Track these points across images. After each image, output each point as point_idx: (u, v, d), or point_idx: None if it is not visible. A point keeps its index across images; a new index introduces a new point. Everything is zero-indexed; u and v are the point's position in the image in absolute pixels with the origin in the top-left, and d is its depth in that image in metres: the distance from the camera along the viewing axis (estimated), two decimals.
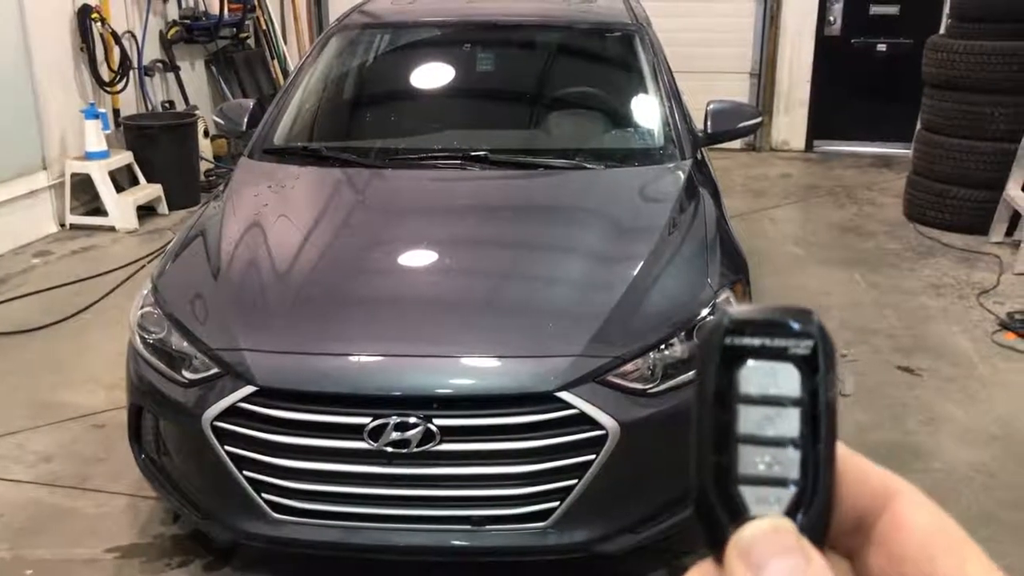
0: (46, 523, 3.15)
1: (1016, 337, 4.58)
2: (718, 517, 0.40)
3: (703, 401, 0.41)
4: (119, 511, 3.21)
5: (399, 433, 2.39)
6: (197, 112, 7.42)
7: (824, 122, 8.88)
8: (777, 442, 0.40)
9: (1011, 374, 4.23)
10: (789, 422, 0.40)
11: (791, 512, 0.39)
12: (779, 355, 0.40)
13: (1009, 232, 5.96)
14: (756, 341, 0.40)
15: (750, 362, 0.40)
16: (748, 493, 0.40)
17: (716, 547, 0.39)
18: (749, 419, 0.40)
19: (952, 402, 3.95)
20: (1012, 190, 5.80)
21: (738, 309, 0.41)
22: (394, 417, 2.40)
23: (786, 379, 0.40)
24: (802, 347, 0.40)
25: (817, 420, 0.40)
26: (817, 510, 0.40)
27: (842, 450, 0.41)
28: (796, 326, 0.40)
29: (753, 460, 0.40)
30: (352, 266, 3.00)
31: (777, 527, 0.39)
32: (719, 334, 0.40)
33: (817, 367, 0.40)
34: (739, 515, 0.40)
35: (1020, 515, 3.15)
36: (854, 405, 3.90)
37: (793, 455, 0.40)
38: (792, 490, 0.40)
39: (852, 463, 0.42)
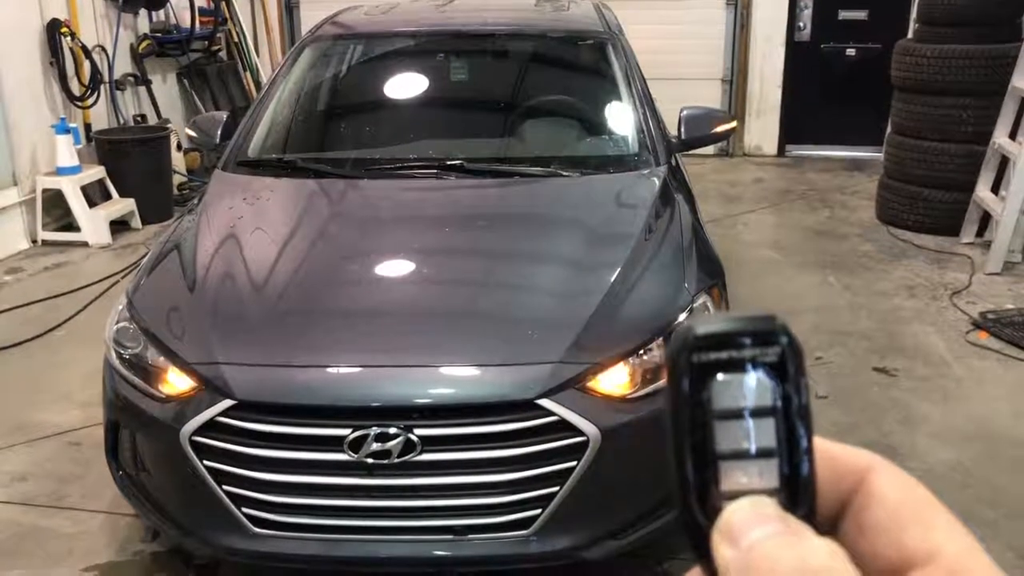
0: (22, 543, 3.11)
1: (989, 336, 4.63)
2: (704, 532, 0.40)
3: (677, 420, 0.40)
4: (97, 529, 3.17)
5: (380, 444, 2.39)
6: (169, 126, 7.38)
7: (796, 127, 8.97)
8: (755, 453, 0.40)
9: (985, 373, 4.28)
10: (766, 432, 0.40)
11: None
12: (748, 365, 0.40)
13: (980, 233, 6.04)
14: (724, 354, 0.40)
15: (720, 376, 0.40)
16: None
17: (705, 559, 0.39)
18: (726, 434, 0.40)
19: (927, 402, 3.99)
20: (982, 191, 5.88)
21: (701, 323, 0.40)
22: (374, 428, 2.39)
23: (758, 389, 0.40)
24: (770, 354, 0.40)
25: (793, 426, 0.40)
26: (800, 515, 0.40)
27: (815, 441, 0.41)
28: (762, 334, 0.40)
29: (734, 474, 0.40)
30: (329, 277, 2.99)
31: (755, 501, 0.39)
32: (686, 352, 0.40)
33: (787, 373, 0.40)
34: None
35: (997, 513, 3.19)
36: (830, 406, 3.93)
37: (772, 464, 0.40)
38: (774, 499, 0.40)
39: (825, 451, 0.42)
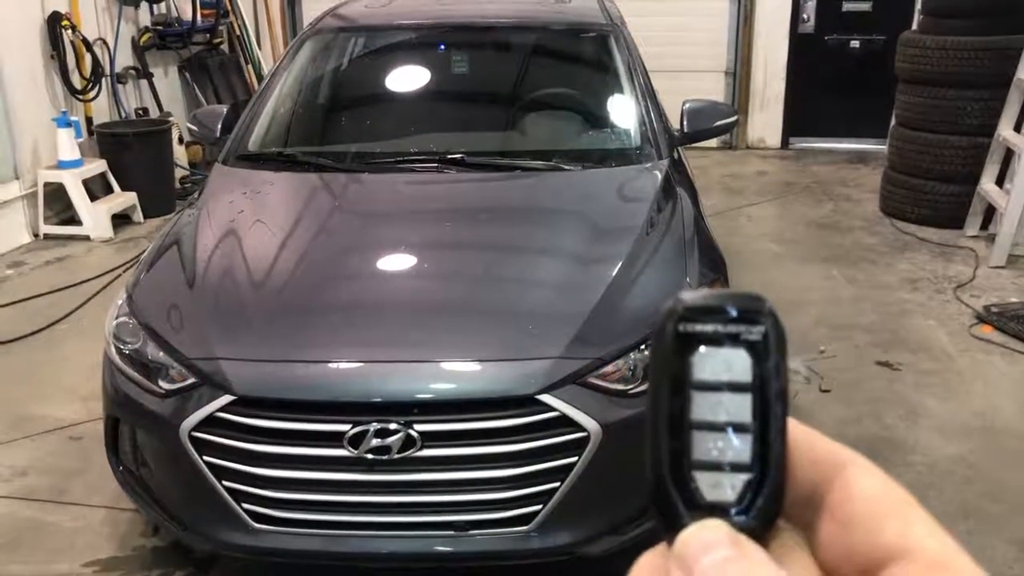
0: (22, 538, 3.11)
1: (992, 330, 4.61)
2: (673, 503, 0.41)
3: (657, 387, 0.41)
4: (97, 524, 3.17)
5: (380, 440, 2.38)
6: (171, 119, 7.36)
7: (799, 119, 8.93)
8: (729, 427, 0.41)
9: (988, 367, 4.26)
10: (741, 408, 0.41)
11: (744, 495, 0.40)
12: (731, 341, 0.41)
13: (984, 226, 6.02)
14: (708, 327, 0.41)
15: (702, 348, 0.41)
16: (702, 478, 0.41)
17: (670, 531, 0.40)
18: (702, 405, 0.41)
19: (931, 396, 3.98)
20: (986, 184, 5.85)
21: (691, 295, 0.41)
22: (374, 423, 2.38)
23: (738, 365, 0.41)
24: (754, 333, 0.41)
25: (768, 405, 0.40)
26: (769, 493, 0.40)
27: (793, 425, 0.42)
28: (747, 312, 0.41)
29: (706, 446, 0.41)
30: (329, 272, 2.98)
31: (705, 525, 0.40)
32: (672, 320, 0.41)
33: (768, 353, 0.41)
34: (694, 500, 0.40)
35: (1000, 507, 3.17)
36: (833, 400, 3.92)
37: (745, 440, 0.40)
38: (745, 475, 0.40)
39: (802, 437, 0.42)
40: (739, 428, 0.40)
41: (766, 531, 0.41)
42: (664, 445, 0.41)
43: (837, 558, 0.41)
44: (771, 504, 0.40)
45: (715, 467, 0.40)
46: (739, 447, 0.40)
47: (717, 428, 0.41)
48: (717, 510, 0.40)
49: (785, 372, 0.41)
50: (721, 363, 0.41)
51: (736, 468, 0.40)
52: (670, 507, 0.41)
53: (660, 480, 0.41)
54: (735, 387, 0.41)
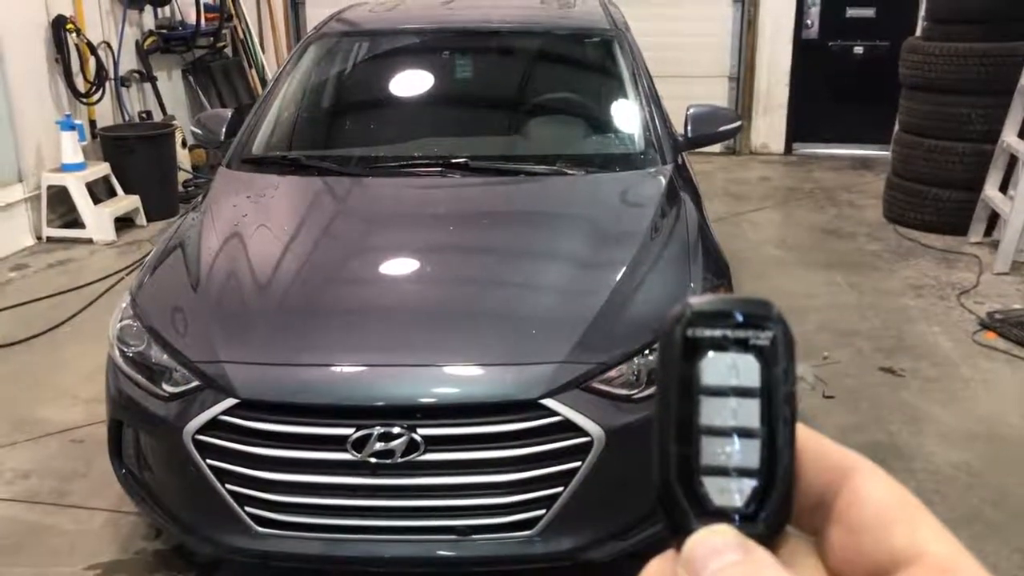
0: (24, 540, 3.10)
1: (996, 336, 4.60)
2: (682, 508, 0.40)
3: (665, 392, 0.41)
4: (99, 527, 3.16)
5: (383, 443, 2.37)
6: (175, 122, 7.37)
7: (803, 125, 8.94)
8: (738, 433, 0.40)
9: (992, 373, 4.25)
10: (749, 413, 0.40)
11: (751, 501, 0.40)
12: (739, 346, 0.41)
13: (988, 232, 6.01)
14: (717, 332, 0.41)
15: (711, 353, 0.41)
16: (710, 484, 0.40)
17: (678, 537, 0.40)
18: (710, 410, 0.41)
19: (934, 402, 3.97)
20: (990, 190, 5.85)
21: (699, 300, 0.41)
22: (378, 427, 2.38)
23: (746, 370, 0.40)
24: (762, 338, 0.41)
25: (776, 411, 0.40)
26: (777, 499, 0.40)
27: (801, 430, 0.42)
28: (755, 317, 0.41)
29: (715, 451, 0.40)
30: (333, 276, 2.98)
31: (713, 530, 0.40)
32: (681, 325, 0.41)
33: (777, 358, 0.40)
34: (702, 506, 0.40)
35: (1003, 514, 3.16)
36: (837, 406, 3.91)
37: (753, 445, 0.40)
38: (753, 480, 0.40)
39: (811, 442, 0.42)
40: (747, 433, 0.40)
41: (775, 536, 0.40)
42: (672, 450, 0.41)
43: (846, 563, 0.41)
44: (779, 510, 0.40)
45: (723, 472, 0.40)
46: (747, 452, 0.40)
47: (725, 433, 0.40)
48: (725, 515, 0.40)
49: (794, 377, 0.41)
50: (729, 368, 0.40)
51: (744, 473, 0.40)
52: (678, 512, 0.41)
53: (668, 485, 0.41)
54: (743, 392, 0.40)
